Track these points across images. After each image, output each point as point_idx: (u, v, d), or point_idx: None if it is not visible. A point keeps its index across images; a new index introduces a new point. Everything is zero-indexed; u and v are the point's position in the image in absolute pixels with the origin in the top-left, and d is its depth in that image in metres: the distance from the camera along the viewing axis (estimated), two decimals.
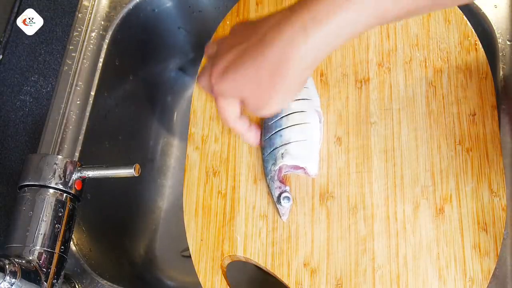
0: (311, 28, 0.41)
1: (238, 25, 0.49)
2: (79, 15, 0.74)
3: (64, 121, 0.69)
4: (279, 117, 0.56)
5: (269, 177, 0.56)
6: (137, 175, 0.56)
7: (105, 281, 0.62)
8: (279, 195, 0.54)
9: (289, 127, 0.56)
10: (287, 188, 0.55)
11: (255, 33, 0.45)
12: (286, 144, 0.55)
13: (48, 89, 0.71)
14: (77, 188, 0.57)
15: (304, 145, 0.55)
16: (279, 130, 0.56)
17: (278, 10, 0.45)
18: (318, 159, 0.56)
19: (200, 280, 0.55)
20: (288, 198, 0.54)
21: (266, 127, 0.57)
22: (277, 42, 0.42)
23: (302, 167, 0.55)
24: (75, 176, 0.57)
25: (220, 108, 0.49)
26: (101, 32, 0.74)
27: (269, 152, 0.56)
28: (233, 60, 0.45)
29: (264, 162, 0.57)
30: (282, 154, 0.55)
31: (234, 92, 0.47)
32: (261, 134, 0.58)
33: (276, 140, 0.56)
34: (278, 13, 0.44)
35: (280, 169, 0.55)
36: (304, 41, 0.41)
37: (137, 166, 0.56)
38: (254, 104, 0.46)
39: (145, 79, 0.86)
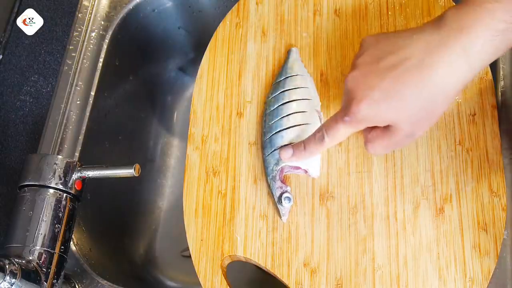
0: (471, 50, 0.41)
1: (373, 39, 0.47)
2: (79, 15, 0.74)
3: (64, 121, 0.69)
4: (280, 117, 0.56)
5: (270, 177, 0.56)
6: (137, 175, 0.56)
7: (105, 281, 0.62)
8: (280, 195, 0.54)
9: (290, 128, 0.56)
10: (288, 188, 0.55)
11: (406, 55, 0.43)
12: (287, 144, 0.55)
13: (48, 89, 0.71)
14: (77, 188, 0.57)
15: None
16: (280, 131, 0.56)
17: (420, 24, 0.45)
18: (319, 160, 0.56)
19: (200, 280, 0.55)
20: (289, 198, 0.54)
21: (267, 127, 0.57)
22: (439, 67, 0.41)
23: (305, 169, 0.55)
24: (75, 176, 0.57)
25: (342, 133, 0.48)
26: (101, 32, 0.74)
27: (270, 152, 0.56)
28: (385, 84, 0.43)
29: (265, 162, 0.57)
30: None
31: (385, 118, 0.45)
32: (262, 134, 0.58)
33: (277, 140, 0.56)
34: (425, 32, 0.43)
35: (281, 169, 0.55)
36: (466, 67, 0.41)
37: (137, 166, 0.56)
38: (407, 131, 0.45)
39: (145, 79, 0.86)
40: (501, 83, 0.63)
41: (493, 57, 0.42)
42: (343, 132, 0.48)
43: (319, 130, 0.50)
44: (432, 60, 0.42)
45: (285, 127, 0.56)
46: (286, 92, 0.58)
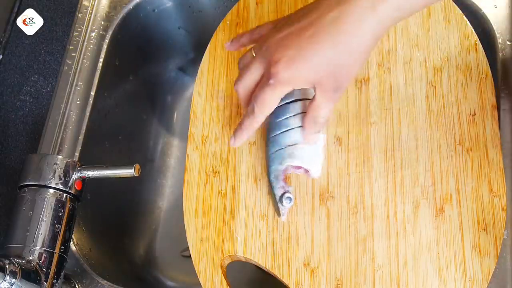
0: (379, 5, 0.43)
1: (281, 18, 0.50)
2: (79, 15, 0.74)
3: (64, 121, 0.69)
4: (286, 117, 0.56)
5: (272, 175, 0.56)
6: (137, 175, 0.56)
7: (105, 281, 0.62)
8: (282, 195, 0.54)
9: (296, 128, 0.55)
10: (290, 188, 0.55)
11: (316, 14, 0.45)
12: (293, 145, 0.55)
13: (48, 89, 0.71)
14: (77, 188, 0.57)
15: (311, 147, 0.55)
16: (286, 130, 0.55)
17: None
18: (321, 161, 0.56)
19: (200, 280, 0.55)
20: (290, 198, 0.54)
21: (273, 125, 0.57)
22: (349, 19, 0.43)
23: (307, 169, 0.55)
24: (75, 176, 0.57)
25: (269, 99, 0.48)
26: (101, 32, 0.74)
27: (275, 150, 0.56)
28: (301, 43, 0.45)
29: (268, 159, 0.56)
30: (289, 154, 0.54)
31: (307, 76, 0.46)
32: (266, 131, 0.58)
33: (284, 139, 0.55)
34: None
35: (285, 168, 0.55)
36: (373, 16, 0.43)
37: (137, 166, 0.56)
38: (332, 85, 0.46)
39: (145, 79, 0.86)
40: (501, 83, 0.63)
41: (404, 13, 0.44)
42: (270, 97, 0.48)
43: (249, 103, 0.51)
44: (342, 16, 0.44)
45: (292, 127, 0.55)
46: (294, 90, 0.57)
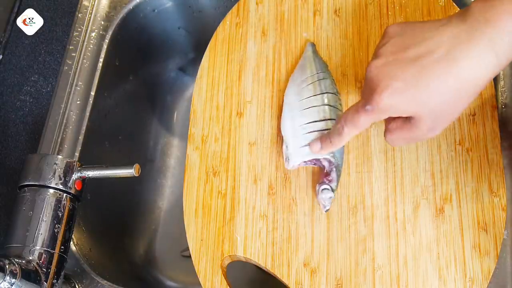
0: (498, 42, 0.40)
1: (398, 29, 0.46)
2: (79, 15, 0.74)
3: (64, 121, 0.69)
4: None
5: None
6: (137, 175, 0.56)
7: (105, 281, 0.62)
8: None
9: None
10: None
11: (431, 47, 0.42)
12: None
13: (48, 89, 0.71)
14: (77, 188, 0.57)
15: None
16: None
17: (446, 16, 0.44)
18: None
19: (200, 280, 0.55)
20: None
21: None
22: (465, 59, 0.41)
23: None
24: (75, 176, 0.57)
25: (362, 123, 0.47)
26: (101, 32, 0.74)
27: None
28: (414, 73, 0.42)
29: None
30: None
31: (408, 108, 0.43)
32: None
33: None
34: (451, 23, 0.42)
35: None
36: (493, 59, 0.40)
37: (137, 166, 0.56)
38: (429, 124, 0.44)
39: (145, 79, 0.86)
40: (501, 83, 0.63)
41: None
42: (363, 122, 0.46)
43: (339, 121, 0.50)
44: (458, 53, 0.41)
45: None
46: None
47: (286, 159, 0.56)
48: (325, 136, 0.53)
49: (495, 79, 0.62)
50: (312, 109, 0.56)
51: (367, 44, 0.61)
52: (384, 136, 0.49)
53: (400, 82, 0.43)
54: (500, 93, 0.62)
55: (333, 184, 0.54)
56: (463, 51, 0.41)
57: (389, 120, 0.48)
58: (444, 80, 0.41)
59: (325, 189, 0.54)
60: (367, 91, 0.45)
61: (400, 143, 0.48)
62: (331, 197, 0.54)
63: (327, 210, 0.54)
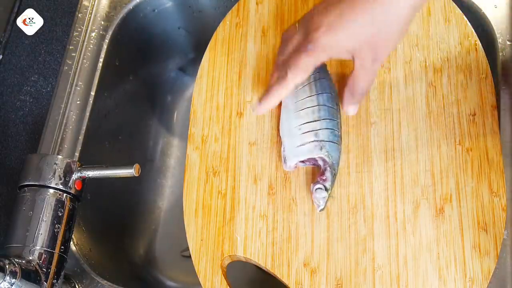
0: None
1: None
2: (79, 15, 0.74)
3: (64, 121, 0.69)
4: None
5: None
6: (137, 175, 0.56)
7: (105, 281, 0.62)
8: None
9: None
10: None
11: None
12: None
13: (48, 89, 0.71)
14: (77, 188, 0.57)
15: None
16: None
17: None
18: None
19: (200, 280, 0.55)
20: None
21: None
22: None
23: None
24: (75, 176, 0.57)
25: (304, 64, 0.48)
26: (101, 32, 0.74)
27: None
28: (342, 11, 0.45)
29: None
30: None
31: (345, 44, 0.46)
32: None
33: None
34: None
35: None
36: None
37: (137, 166, 0.56)
38: (370, 56, 0.47)
39: (145, 79, 0.86)
40: (501, 83, 0.63)
41: None
42: (305, 63, 0.48)
43: (281, 68, 0.51)
44: None
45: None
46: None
47: (283, 160, 0.56)
48: (270, 87, 0.52)
49: (495, 79, 0.62)
50: (307, 110, 0.56)
51: None
52: (347, 99, 0.52)
53: (332, 17, 0.46)
54: (500, 93, 0.62)
55: (327, 184, 0.54)
56: None
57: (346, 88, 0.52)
58: (372, 12, 0.44)
59: (318, 188, 0.54)
60: (304, 32, 0.48)
61: (362, 87, 0.50)
62: (324, 197, 0.54)
63: (321, 210, 0.54)
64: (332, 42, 0.46)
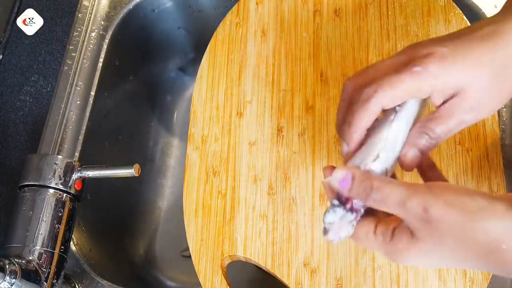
0: None
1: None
2: (79, 15, 0.74)
3: (64, 121, 0.69)
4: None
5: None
6: (137, 175, 0.56)
7: (105, 281, 0.62)
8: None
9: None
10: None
11: (473, 28, 0.40)
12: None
13: (48, 89, 0.71)
14: (77, 188, 0.57)
15: None
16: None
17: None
18: None
19: (200, 280, 0.55)
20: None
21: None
22: (506, 29, 0.39)
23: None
24: (75, 176, 0.57)
25: (400, 86, 0.38)
26: (101, 32, 0.74)
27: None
28: (457, 43, 0.39)
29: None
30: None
31: (457, 77, 0.39)
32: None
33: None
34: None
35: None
36: None
37: (137, 166, 0.56)
38: (472, 101, 0.39)
39: (145, 79, 0.86)
40: None
41: None
42: (403, 86, 0.38)
43: (366, 85, 0.40)
44: (503, 28, 0.39)
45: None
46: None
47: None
48: (338, 126, 0.43)
49: None
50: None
51: (367, 44, 0.61)
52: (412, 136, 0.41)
53: (447, 48, 0.39)
54: None
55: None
56: (502, 26, 0.39)
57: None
58: (493, 51, 0.39)
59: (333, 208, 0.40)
60: (406, 57, 0.40)
61: (438, 128, 0.40)
62: (351, 221, 0.39)
63: (326, 234, 0.41)
64: (442, 72, 0.38)
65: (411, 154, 0.41)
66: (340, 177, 0.39)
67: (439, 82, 0.39)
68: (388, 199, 0.37)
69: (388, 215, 0.39)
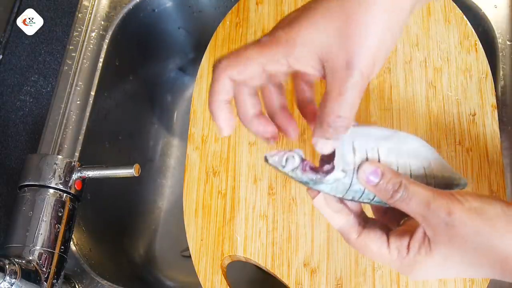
0: None
1: None
2: (79, 15, 0.74)
3: (64, 121, 0.69)
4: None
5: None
6: (137, 175, 0.56)
7: (105, 281, 0.62)
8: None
9: None
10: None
11: None
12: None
13: (48, 89, 0.71)
14: (77, 188, 0.57)
15: None
16: None
17: None
18: None
19: (200, 280, 0.55)
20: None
21: None
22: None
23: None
24: (75, 176, 0.57)
25: (249, 60, 0.36)
26: (101, 32, 0.74)
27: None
28: (299, 10, 0.36)
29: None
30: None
31: (311, 37, 0.35)
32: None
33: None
34: None
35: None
36: None
37: (137, 166, 0.56)
38: (341, 58, 0.35)
39: (145, 79, 0.86)
40: (501, 83, 0.63)
41: None
42: (251, 57, 0.36)
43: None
44: None
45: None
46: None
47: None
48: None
49: (496, 79, 0.62)
50: None
51: None
52: (314, 127, 0.38)
53: (294, 13, 0.37)
54: (500, 93, 0.62)
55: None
56: None
57: None
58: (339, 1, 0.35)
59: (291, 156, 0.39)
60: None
61: (331, 111, 0.36)
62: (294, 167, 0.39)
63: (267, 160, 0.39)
64: (295, 36, 0.35)
65: (322, 148, 0.38)
66: (369, 170, 0.38)
67: (292, 48, 0.35)
68: (414, 198, 0.36)
69: (386, 224, 0.39)
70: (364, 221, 0.40)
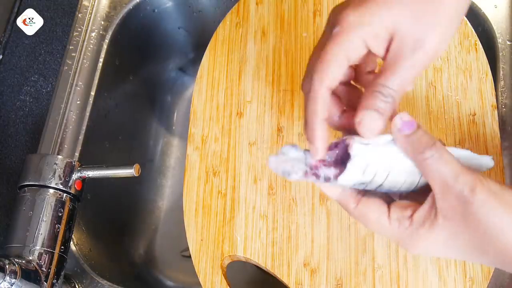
0: None
1: None
2: (79, 15, 0.74)
3: (64, 121, 0.69)
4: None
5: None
6: (137, 175, 0.56)
7: (105, 281, 0.62)
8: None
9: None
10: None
11: None
12: None
13: (48, 89, 0.71)
14: (77, 188, 0.57)
15: None
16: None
17: None
18: None
19: (200, 280, 0.55)
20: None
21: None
22: None
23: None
24: (75, 176, 0.57)
25: (330, 55, 0.36)
26: (101, 32, 0.74)
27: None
28: None
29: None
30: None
31: (381, 17, 0.35)
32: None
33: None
34: None
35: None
36: None
37: (137, 166, 0.56)
38: (413, 36, 0.35)
39: (145, 79, 0.86)
40: (501, 83, 0.63)
41: None
42: (331, 53, 0.36)
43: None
44: None
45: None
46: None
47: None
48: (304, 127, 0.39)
49: (495, 79, 0.62)
50: None
51: None
52: (364, 98, 0.37)
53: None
54: (500, 93, 0.62)
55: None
56: None
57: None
58: None
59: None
60: (329, 27, 0.38)
61: (392, 82, 0.36)
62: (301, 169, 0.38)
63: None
64: (365, 16, 0.35)
65: (371, 124, 0.36)
66: (407, 119, 0.36)
67: (362, 30, 0.35)
68: (445, 164, 0.35)
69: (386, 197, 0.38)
70: (364, 190, 0.39)
